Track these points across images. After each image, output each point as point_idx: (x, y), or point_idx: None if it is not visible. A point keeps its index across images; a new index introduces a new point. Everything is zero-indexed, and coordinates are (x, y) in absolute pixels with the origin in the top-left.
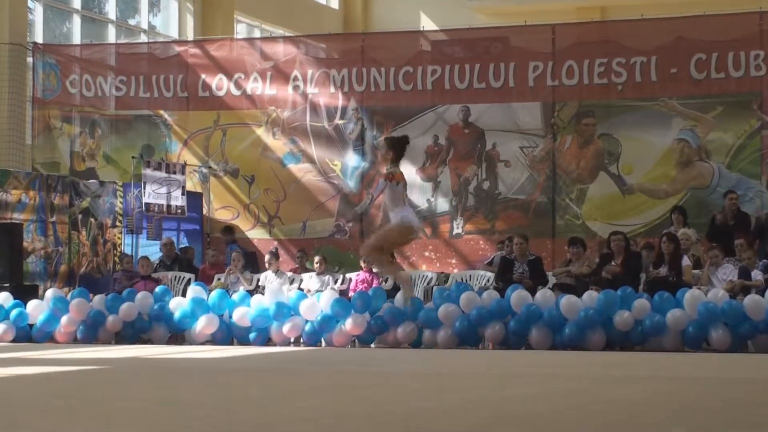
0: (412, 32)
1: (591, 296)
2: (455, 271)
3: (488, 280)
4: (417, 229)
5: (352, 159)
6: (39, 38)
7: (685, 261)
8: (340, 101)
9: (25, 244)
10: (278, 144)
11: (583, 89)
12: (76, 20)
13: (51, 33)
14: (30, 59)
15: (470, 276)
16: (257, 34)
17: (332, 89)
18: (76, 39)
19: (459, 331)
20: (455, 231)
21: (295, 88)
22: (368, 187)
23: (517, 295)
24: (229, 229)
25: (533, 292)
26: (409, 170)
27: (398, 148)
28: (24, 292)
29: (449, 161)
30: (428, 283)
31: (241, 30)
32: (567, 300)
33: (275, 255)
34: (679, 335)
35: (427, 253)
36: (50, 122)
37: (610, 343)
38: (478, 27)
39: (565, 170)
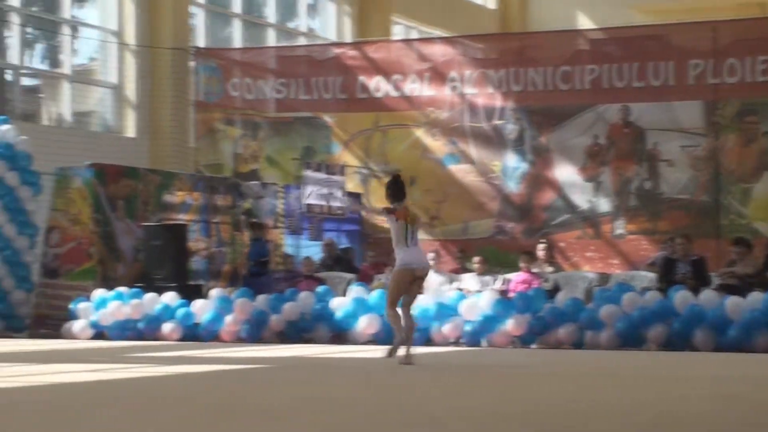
0: (570, 31)
1: (757, 297)
2: (617, 271)
3: (650, 281)
4: (416, 267)
5: (511, 159)
6: (201, 43)
7: None
8: (498, 101)
9: (189, 244)
10: (438, 145)
11: (745, 87)
12: (237, 24)
13: (212, 37)
14: (192, 63)
15: (632, 277)
16: (414, 35)
17: (490, 89)
18: (237, 43)
19: (621, 331)
20: (617, 231)
21: (453, 88)
22: (530, 187)
23: (681, 296)
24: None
25: (696, 293)
26: (569, 171)
27: (391, 187)
28: (189, 292)
29: (610, 161)
30: (589, 284)
31: (398, 31)
32: (732, 301)
33: (437, 255)
34: None
35: (589, 254)
36: (213, 125)
37: None
38: (636, 25)
39: (728, 169)
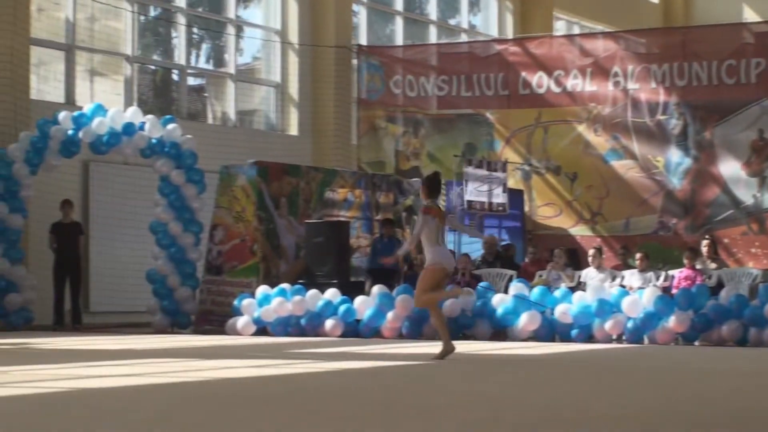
0: (735, 25)
1: None
2: None
3: None
4: (447, 267)
5: (675, 155)
6: (363, 40)
7: None
8: (661, 96)
9: (351, 241)
10: (600, 140)
11: None
12: (399, 22)
13: (374, 35)
14: (354, 61)
15: None
16: (576, 30)
17: (653, 84)
18: (399, 40)
19: None
20: None
21: (616, 83)
22: (693, 182)
23: None
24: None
25: None
26: (733, 166)
27: (429, 183)
28: (351, 289)
29: None
30: (753, 280)
31: (559, 27)
32: None
33: (599, 251)
34: None
35: (753, 250)
36: (375, 122)
37: None
38: None
39: None
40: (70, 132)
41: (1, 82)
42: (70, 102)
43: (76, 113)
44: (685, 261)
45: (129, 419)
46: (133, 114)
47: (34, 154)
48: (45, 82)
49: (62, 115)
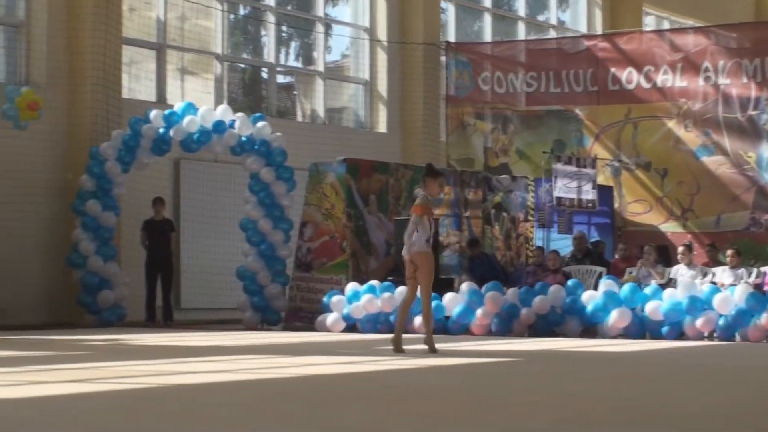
0: None
1: None
2: None
3: None
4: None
5: (767, 150)
6: (451, 37)
7: None
8: (752, 91)
9: (441, 238)
10: (690, 136)
11: None
12: (487, 18)
13: (462, 32)
14: (443, 58)
15: None
16: (666, 25)
17: (744, 79)
18: (487, 37)
19: None
20: None
21: (706, 79)
22: None
23: None
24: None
25: None
26: None
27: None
28: (440, 286)
29: None
30: None
31: (649, 22)
32: None
33: (689, 248)
34: None
35: None
36: (464, 119)
37: None
38: None
39: None
40: (161, 130)
41: (94, 81)
42: (161, 100)
43: (167, 111)
44: None
45: (220, 415)
46: (224, 112)
47: (126, 152)
48: (136, 81)
49: (153, 114)
